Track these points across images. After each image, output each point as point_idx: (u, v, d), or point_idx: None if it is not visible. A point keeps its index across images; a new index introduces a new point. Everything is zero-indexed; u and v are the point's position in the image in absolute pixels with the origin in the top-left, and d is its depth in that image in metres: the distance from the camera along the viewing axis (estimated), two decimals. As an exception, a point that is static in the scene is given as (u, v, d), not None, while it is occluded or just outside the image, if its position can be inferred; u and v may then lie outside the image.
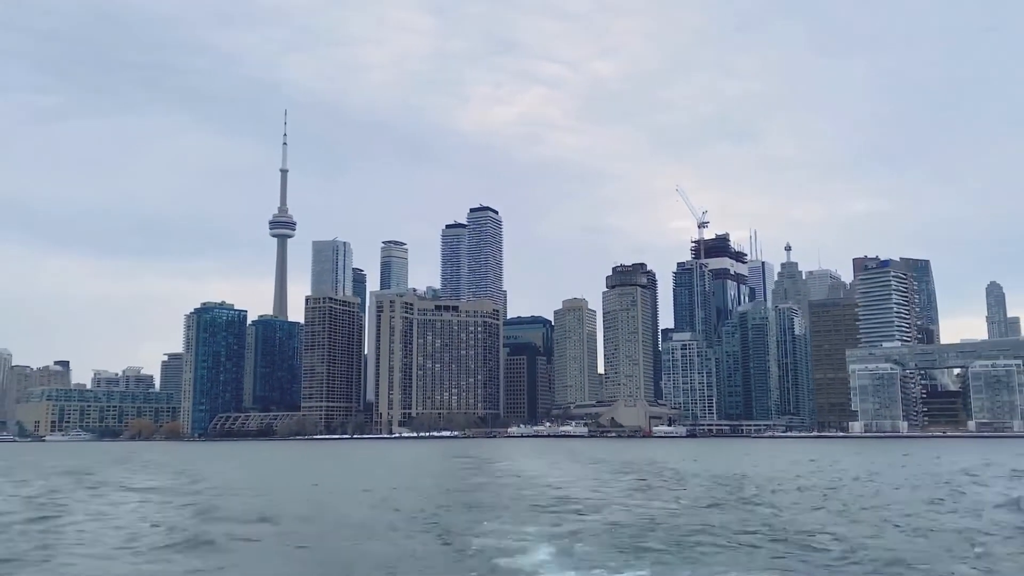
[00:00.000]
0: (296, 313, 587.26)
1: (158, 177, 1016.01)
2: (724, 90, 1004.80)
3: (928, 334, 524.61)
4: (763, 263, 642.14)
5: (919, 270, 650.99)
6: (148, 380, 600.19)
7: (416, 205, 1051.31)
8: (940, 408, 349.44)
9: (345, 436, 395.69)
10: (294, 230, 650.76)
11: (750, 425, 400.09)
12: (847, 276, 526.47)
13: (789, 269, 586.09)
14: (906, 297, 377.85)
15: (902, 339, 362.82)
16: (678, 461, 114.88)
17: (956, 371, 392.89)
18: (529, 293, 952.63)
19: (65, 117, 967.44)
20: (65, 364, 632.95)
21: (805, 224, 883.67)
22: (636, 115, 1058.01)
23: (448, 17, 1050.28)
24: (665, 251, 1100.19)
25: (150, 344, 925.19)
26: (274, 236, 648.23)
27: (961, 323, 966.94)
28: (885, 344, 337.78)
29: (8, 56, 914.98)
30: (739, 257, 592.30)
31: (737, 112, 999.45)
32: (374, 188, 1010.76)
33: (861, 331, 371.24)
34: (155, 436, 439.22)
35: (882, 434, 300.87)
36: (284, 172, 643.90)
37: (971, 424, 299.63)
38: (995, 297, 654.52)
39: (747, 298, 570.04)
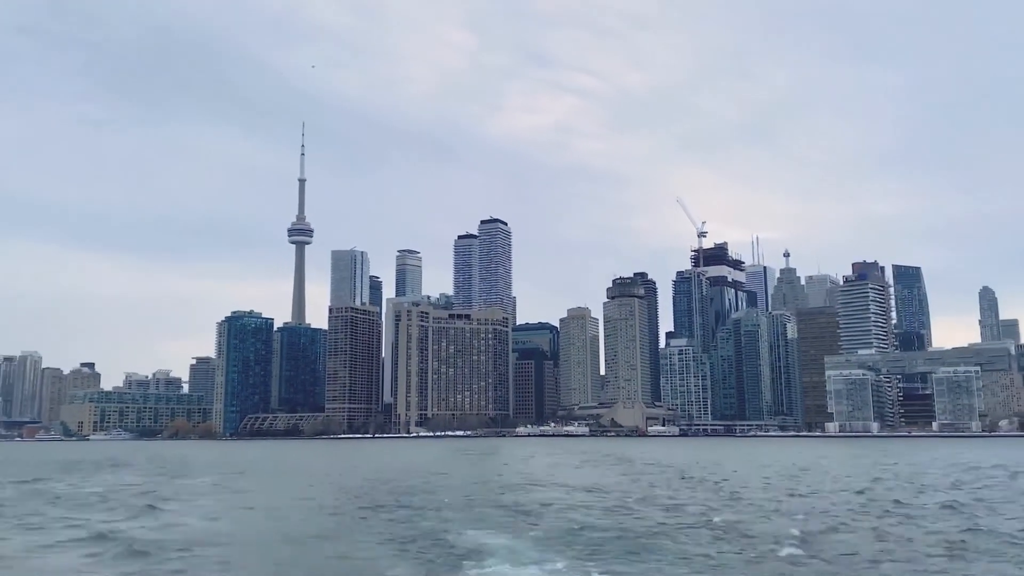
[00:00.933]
0: (313, 316, 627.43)
1: (195, 183, 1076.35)
2: (749, 98, 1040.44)
3: (919, 339, 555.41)
4: (764, 267, 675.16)
5: (910, 277, 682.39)
6: (177, 382, 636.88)
7: (441, 210, 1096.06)
8: (915, 410, 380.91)
9: (367, 436, 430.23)
10: (311, 237, 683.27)
11: (743, 425, 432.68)
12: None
13: (787, 275, 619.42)
14: (883, 307, 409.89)
15: (879, 346, 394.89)
16: (639, 453, 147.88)
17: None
18: (543, 296, 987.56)
19: (109, 125, 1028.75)
20: (91, 366, 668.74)
21: (824, 226, 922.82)
22: (661, 122, 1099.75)
23: (486, 34, 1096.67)
24: (683, 253, 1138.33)
25: (173, 345, 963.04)
26: (292, 243, 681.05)
27: (960, 326, 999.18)
28: (861, 351, 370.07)
29: (59, 68, 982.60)
30: (736, 265, 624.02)
31: (760, 118, 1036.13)
32: (401, 194, 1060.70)
33: (842, 338, 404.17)
34: (190, 435, 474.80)
35: (854, 434, 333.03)
36: (302, 182, 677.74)
37: (935, 425, 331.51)
38: (988, 301, 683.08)
39: (745, 303, 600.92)
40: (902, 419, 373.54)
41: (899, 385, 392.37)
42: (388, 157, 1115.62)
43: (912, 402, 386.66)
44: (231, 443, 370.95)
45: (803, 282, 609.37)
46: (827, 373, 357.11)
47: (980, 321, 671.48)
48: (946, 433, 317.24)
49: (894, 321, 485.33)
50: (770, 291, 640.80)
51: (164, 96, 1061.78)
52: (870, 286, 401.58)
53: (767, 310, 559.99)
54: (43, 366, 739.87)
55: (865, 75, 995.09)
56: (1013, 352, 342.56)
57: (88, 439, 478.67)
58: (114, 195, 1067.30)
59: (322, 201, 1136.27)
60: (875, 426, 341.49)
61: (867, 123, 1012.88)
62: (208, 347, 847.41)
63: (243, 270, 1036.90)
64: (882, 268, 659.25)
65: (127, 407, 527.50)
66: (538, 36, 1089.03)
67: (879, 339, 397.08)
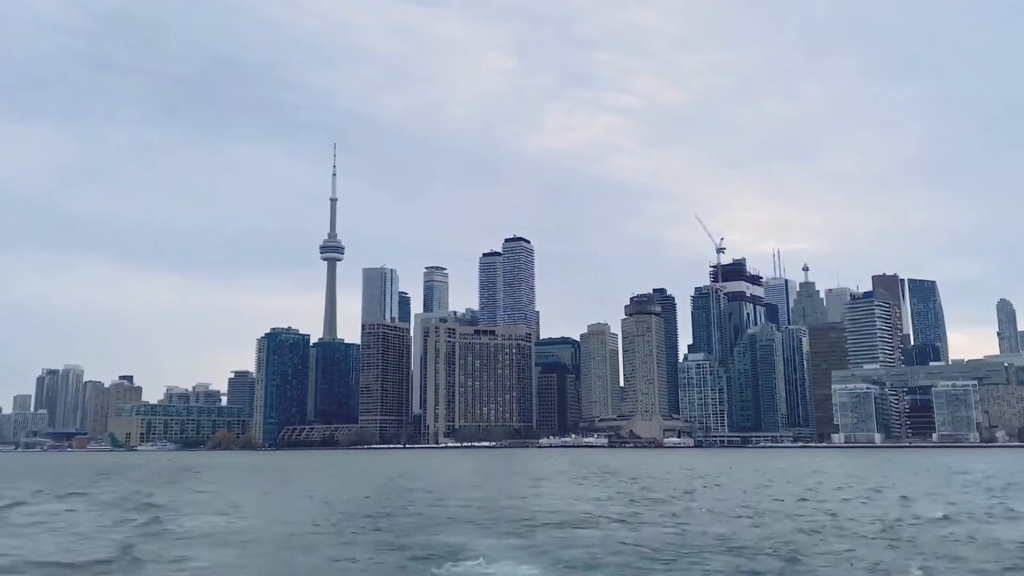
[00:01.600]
0: (344, 329, 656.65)
1: (239, 200, 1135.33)
2: (787, 114, 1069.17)
3: (934, 351, 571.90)
4: (786, 280, 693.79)
5: (925, 290, 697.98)
6: (216, 395, 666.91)
7: (474, 226, 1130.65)
8: (920, 421, 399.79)
9: (398, 446, 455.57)
10: (343, 254, 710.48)
11: (758, 436, 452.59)
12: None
13: (807, 289, 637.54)
14: (889, 323, 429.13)
15: (886, 360, 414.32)
16: (634, 465, 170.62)
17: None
18: (572, 307, 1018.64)
19: (167, 148, 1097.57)
20: (129, 379, 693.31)
21: (851, 239, 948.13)
22: (696, 137, 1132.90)
23: (528, 57, 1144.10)
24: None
25: (211, 358, 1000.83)
26: (324, 260, 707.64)
27: (979, 337, 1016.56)
28: (866, 366, 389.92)
29: (122, 96, 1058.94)
30: (755, 280, 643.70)
31: (797, 133, 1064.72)
32: (435, 211, 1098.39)
33: (850, 353, 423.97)
34: (232, 446, 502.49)
35: (858, 445, 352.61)
36: (333, 201, 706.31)
37: (935, 436, 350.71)
38: (1006, 313, 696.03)
39: (764, 317, 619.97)
40: (909, 430, 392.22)
41: (907, 398, 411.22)
42: (427, 175, 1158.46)
43: (918, 414, 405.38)
44: (275, 453, 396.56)
45: (822, 295, 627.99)
46: (833, 387, 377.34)
47: (998, 333, 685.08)
48: (946, 444, 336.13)
49: (907, 334, 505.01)
50: (791, 304, 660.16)
51: (216, 119, 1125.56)
52: (876, 303, 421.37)
53: (788, 323, 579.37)
54: (84, 379, 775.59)
55: (894, 91, 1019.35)
56: (1007, 366, 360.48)
57: (136, 450, 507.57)
58: (163, 214, 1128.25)
59: (362, 217, 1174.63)
60: (878, 437, 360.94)
61: (895, 137, 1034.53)
62: (244, 360, 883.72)
63: (280, 284, 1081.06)
64: (902, 281, 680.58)
65: (171, 419, 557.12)
66: (580, 59, 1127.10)
67: (885, 353, 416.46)
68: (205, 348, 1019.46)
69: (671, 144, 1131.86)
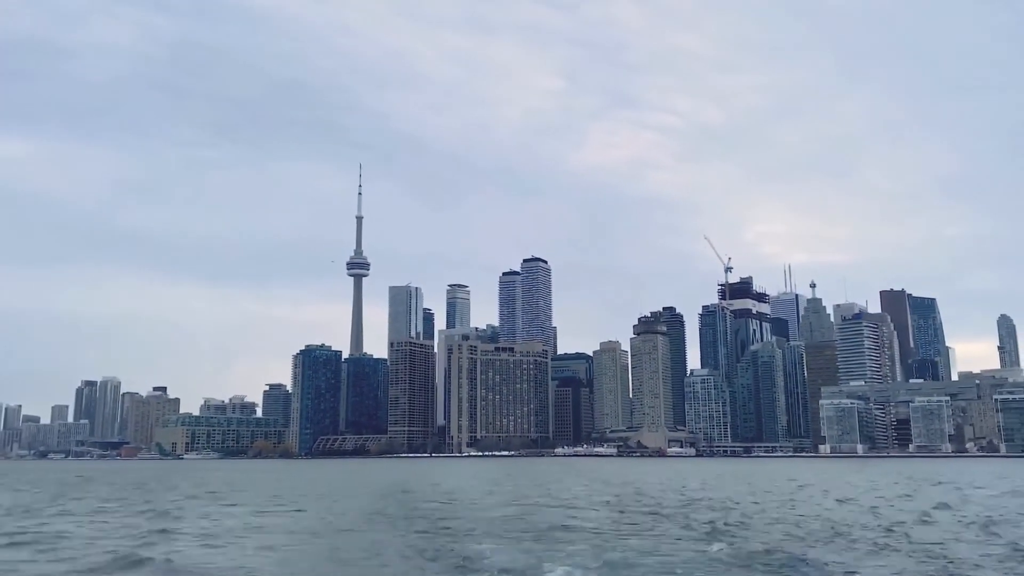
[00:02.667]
0: (371, 343, 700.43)
1: (284, 215, 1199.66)
2: (824, 133, 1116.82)
3: (933, 365, 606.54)
4: (796, 295, 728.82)
5: (925, 308, 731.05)
6: (251, 407, 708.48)
7: (508, 240, 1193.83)
8: (903, 434, 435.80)
9: (424, 455, 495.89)
10: (368, 270, 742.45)
11: (759, 446, 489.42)
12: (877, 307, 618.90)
13: (814, 305, 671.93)
14: (877, 342, 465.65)
15: (874, 377, 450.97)
16: (624, 472, 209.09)
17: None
18: (597, 319, 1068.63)
19: (217, 166, 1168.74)
20: (163, 390, 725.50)
21: (883, 250, 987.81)
22: (734, 154, 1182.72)
23: (576, 80, 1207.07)
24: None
25: (243, 369, 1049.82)
26: (351, 276, 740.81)
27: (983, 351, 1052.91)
28: (852, 383, 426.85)
29: (180, 117, 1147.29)
30: (761, 298, 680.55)
31: (832, 151, 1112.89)
32: (467, 226, 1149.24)
33: (840, 370, 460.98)
34: (271, 455, 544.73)
35: (842, 455, 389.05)
36: (359, 219, 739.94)
37: (911, 447, 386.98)
38: (1006, 328, 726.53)
39: (770, 333, 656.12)
40: (895, 442, 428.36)
41: (894, 411, 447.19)
42: (465, 191, 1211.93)
43: (902, 427, 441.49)
44: (311, 462, 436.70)
45: (830, 311, 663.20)
46: (820, 402, 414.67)
47: (999, 347, 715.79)
48: (921, 454, 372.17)
49: (895, 350, 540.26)
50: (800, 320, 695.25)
51: (266, 138, 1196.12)
52: (864, 324, 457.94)
53: (797, 338, 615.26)
54: (122, 390, 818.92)
55: (930, 108, 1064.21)
56: (979, 384, 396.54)
57: (182, 458, 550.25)
58: (203, 227, 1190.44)
59: (398, 232, 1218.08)
60: (861, 448, 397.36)
61: (925, 153, 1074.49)
62: (274, 371, 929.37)
63: (310, 296, 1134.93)
64: (908, 295, 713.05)
65: (213, 430, 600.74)
66: (626, 82, 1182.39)
67: (873, 370, 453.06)
68: (238, 359, 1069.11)
69: (705, 160, 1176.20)
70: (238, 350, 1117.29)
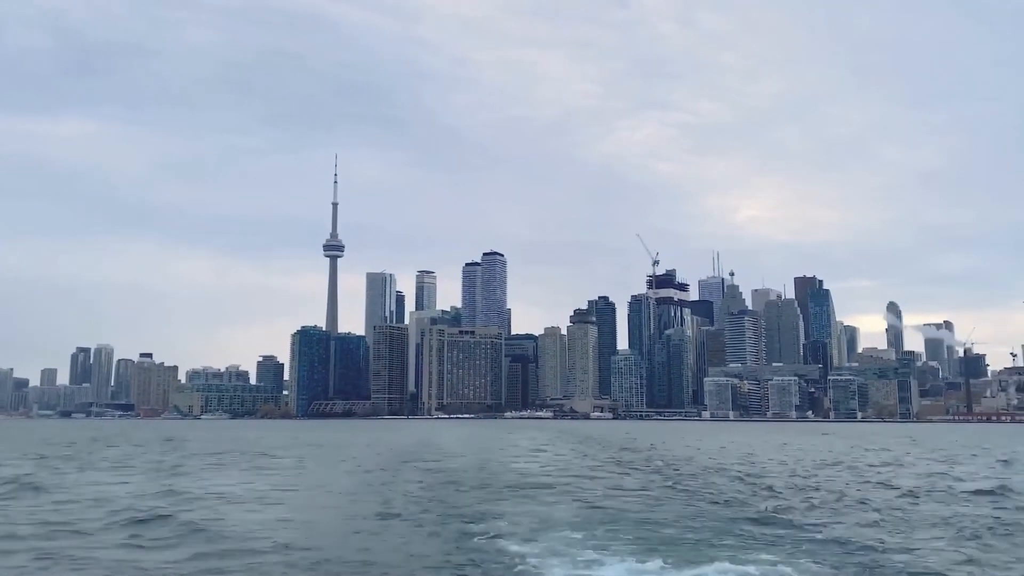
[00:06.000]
0: (348, 323, 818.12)
1: (305, 197, 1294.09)
2: (825, 133, 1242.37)
3: (823, 347, 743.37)
4: (722, 280, 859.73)
5: (820, 296, 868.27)
6: (245, 375, 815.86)
7: (521, 221, 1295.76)
8: (764, 404, 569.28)
9: (402, 417, 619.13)
10: (342, 252, 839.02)
11: (670, 411, 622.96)
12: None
13: (732, 291, 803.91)
14: (756, 332, 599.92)
15: (752, 360, 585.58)
16: (538, 430, 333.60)
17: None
18: (544, 304, 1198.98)
19: (256, 152, 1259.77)
20: (149, 356, 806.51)
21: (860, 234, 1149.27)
22: (735, 150, 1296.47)
23: (612, 87, 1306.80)
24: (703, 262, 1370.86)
25: (223, 337, 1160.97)
26: (327, 257, 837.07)
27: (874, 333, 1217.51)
28: (731, 364, 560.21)
29: (237, 111, 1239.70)
30: (682, 287, 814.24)
31: (827, 148, 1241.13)
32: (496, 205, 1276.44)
33: (727, 352, 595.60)
34: (275, 416, 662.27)
35: (717, 419, 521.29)
36: (335, 205, 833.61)
37: (769, 414, 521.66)
38: (895, 313, 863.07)
39: (690, 317, 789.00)
40: (767, 411, 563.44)
41: (768, 385, 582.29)
42: (489, 179, 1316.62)
43: (764, 399, 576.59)
44: (309, 422, 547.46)
45: (746, 296, 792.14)
46: (704, 379, 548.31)
47: (887, 330, 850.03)
48: (774, 420, 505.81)
49: (800, 330, 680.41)
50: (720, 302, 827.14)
51: (309, 129, 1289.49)
52: (746, 318, 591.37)
53: (712, 323, 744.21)
54: (116, 357, 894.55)
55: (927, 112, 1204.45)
56: (820, 367, 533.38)
57: (200, 419, 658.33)
58: (221, 204, 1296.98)
59: (431, 216, 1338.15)
60: (732, 414, 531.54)
61: (919, 153, 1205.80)
62: (258, 341, 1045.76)
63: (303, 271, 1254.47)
64: (820, 281, 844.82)
65: (223, 395, 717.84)
66: (660, 88, 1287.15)
67: (751, 354, 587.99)
68: (219, 330, 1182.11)
69: (707, 154, 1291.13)
70: (220, 319, 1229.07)
